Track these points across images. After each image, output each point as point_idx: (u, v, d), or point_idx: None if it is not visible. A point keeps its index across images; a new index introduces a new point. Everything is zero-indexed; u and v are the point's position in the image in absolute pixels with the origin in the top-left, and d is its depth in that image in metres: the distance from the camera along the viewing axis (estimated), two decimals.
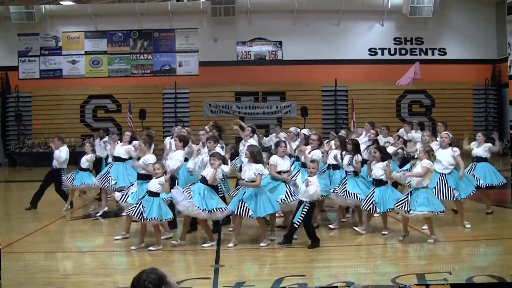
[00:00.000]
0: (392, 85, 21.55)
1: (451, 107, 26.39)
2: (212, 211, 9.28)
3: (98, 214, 12.61)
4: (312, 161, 9.66)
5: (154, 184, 9.31)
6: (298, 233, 9.68)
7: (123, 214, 9.54)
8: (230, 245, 9.52)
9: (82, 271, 8.38)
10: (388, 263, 8.70)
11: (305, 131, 12.37)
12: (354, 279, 7.52)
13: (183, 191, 9.33)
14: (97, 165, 13.92)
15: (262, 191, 9.54)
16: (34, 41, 26.94)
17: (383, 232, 10.21)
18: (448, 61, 27.26)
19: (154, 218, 9.19)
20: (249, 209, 9.31)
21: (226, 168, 9.69)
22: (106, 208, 12.72)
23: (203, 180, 9.38)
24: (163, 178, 9.42)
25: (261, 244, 9.50)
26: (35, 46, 26.96)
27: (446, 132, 10.97)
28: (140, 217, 9.13)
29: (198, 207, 9.19)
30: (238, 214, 9.39)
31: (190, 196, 9.22)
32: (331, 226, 10.81)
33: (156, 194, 9.26)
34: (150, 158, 10.03)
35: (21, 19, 26.05)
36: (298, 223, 9.36)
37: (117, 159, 12.52)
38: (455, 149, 11.01)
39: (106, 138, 14.11)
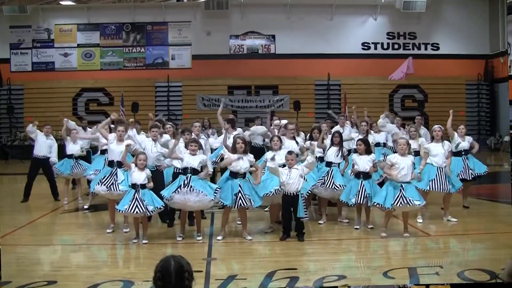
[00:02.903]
0: (385, 79, 21.56)
1: (444, 102, 26.41)
2: (214, 198, 9.34)
3: (85, 206, 12.61)
4: (289, 152, 9.61)
5: (143, 177, 9.27)
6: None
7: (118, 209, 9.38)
8: (218, 238, 9.53)
9: (74, 264, 8.37)
10: (379, 257, 8.71)
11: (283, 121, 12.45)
12: (346, 272, 7.54)
13: (185, 190, 9.25)
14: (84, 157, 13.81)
15: (250, 182, 9.65)
16: (26, 33, 26.86)
17: (356, 227, 10.30)
18: (441, 56, 27.38)
19: (159, 207, 9.32)
20: (250, 199, 9.34)
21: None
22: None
23: (192, 171, 9.35)
24: (148, 170, 9.48)
25: (248, 238, 9.55)
26: (27, 39, 26.89)
27: (439, 125, 10.97)
28: (145, 211, 9.13)
29: (213, 199, 9.28)
30: (239, 206, 9.37)
31: (193, 190, 9.19)
32: (320, 222, 10.81)
33: (143, 186, 9.26)
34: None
35: (13, 11, 25.96)
36: (307, 216, 9.51)
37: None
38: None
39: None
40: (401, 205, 9.20)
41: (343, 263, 8.30)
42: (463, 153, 11.68)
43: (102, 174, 10.31)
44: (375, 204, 9.61)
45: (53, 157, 13.53)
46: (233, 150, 9.64)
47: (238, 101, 26.85)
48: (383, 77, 22.85)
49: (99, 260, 8.76)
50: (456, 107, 26.69)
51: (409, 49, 27.38)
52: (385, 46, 27.72)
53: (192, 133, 10.73)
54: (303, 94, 26.66)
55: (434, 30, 27.76)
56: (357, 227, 10.26)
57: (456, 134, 11.66)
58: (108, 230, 10.09)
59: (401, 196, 9.19)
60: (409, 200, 9.17)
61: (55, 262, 8.46)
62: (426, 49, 27.75)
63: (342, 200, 10.31)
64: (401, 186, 9.28)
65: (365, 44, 27.66)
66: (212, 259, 8.38)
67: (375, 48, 27.69)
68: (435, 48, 27.77)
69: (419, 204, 9.34)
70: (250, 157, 9.63)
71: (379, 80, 25.68)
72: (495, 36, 26.75)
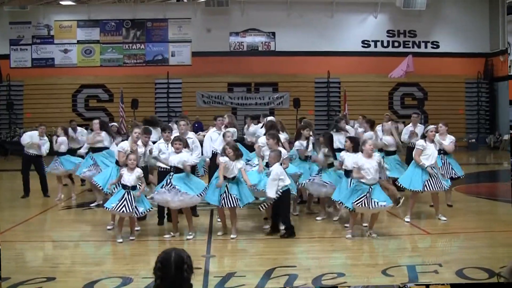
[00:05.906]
0: (385, 77, 21.62)
1: (444, 100, 26.51)
2: (202, 194, 9.33)
3: (92, 205, 12.53)
4: (273, 151, 9.58)
5: (133, 179, 9.12)
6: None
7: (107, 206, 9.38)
8: (219, 233, 9.59)
9: (73, 260, 8.37)
10: (378, 254, 8.71)
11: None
12: (345, 270, 7.54)
13: (166, 189, 9.23)
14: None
15: (242, 180, 9.55)
16: (26, 29, 26.85)
17: (346, 226, 10.23)
18: (441, 54, 27.39)
19: (149, 209, 9.33)
20: (236, 198, 9.26)
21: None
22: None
23: (176, 169, 9.30)
24: (139, 170, 9.33)
25: (232, 236, 9.46)
26: (27, 35, 26.88)
27: (434, 126, 10.93)
28: (133, 211, 9.06)
29: (198, 195, 9.26)
30: (225, 205, 9.33)
31: (172, 190, 9.16)
32: (318, 218, 10.82)
33: (134, 187, 9.15)
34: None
35: (13, 7, 25.91)
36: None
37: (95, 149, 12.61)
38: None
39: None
40: (362, 206, 9.02)
41: (342, 260, 8.30)
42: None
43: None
44: (339, 202, 9.68)
45: (44, 150, 13.59)
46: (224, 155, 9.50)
47: (238, 98, 26.83)
48: (383, 75, 22.88)
49: (97, 256, 8.76)
50: (456, 105, 26.89)
51: (409, 47, 27.40)
52: (385, 44, 27.72)
53: (174, 131, 10.59)
54: (303, 92, 26.67)
55: (434, 28, 27.77)
56: (335, 218, 10.49)
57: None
58: (108, 227, 10.08)
59: (365, 197, 9.01)
60: (374, 202, 8.98)
61: (54, 259, 8.46)
62: (426, 47, 27.76)
63: (333, 199, 10.23)
64: (370, 187, 9.06)
65: (365, 42, 27.67)
66: (211, 256, 8.39)
67: (375, 46, 27.70)
68: (435, 46, 27.78)
69: (384, 206, 9.06)
70: (241, 163, 9.48)
71: (379, 78, 25.68)
72: (495, 35, 26.75)
